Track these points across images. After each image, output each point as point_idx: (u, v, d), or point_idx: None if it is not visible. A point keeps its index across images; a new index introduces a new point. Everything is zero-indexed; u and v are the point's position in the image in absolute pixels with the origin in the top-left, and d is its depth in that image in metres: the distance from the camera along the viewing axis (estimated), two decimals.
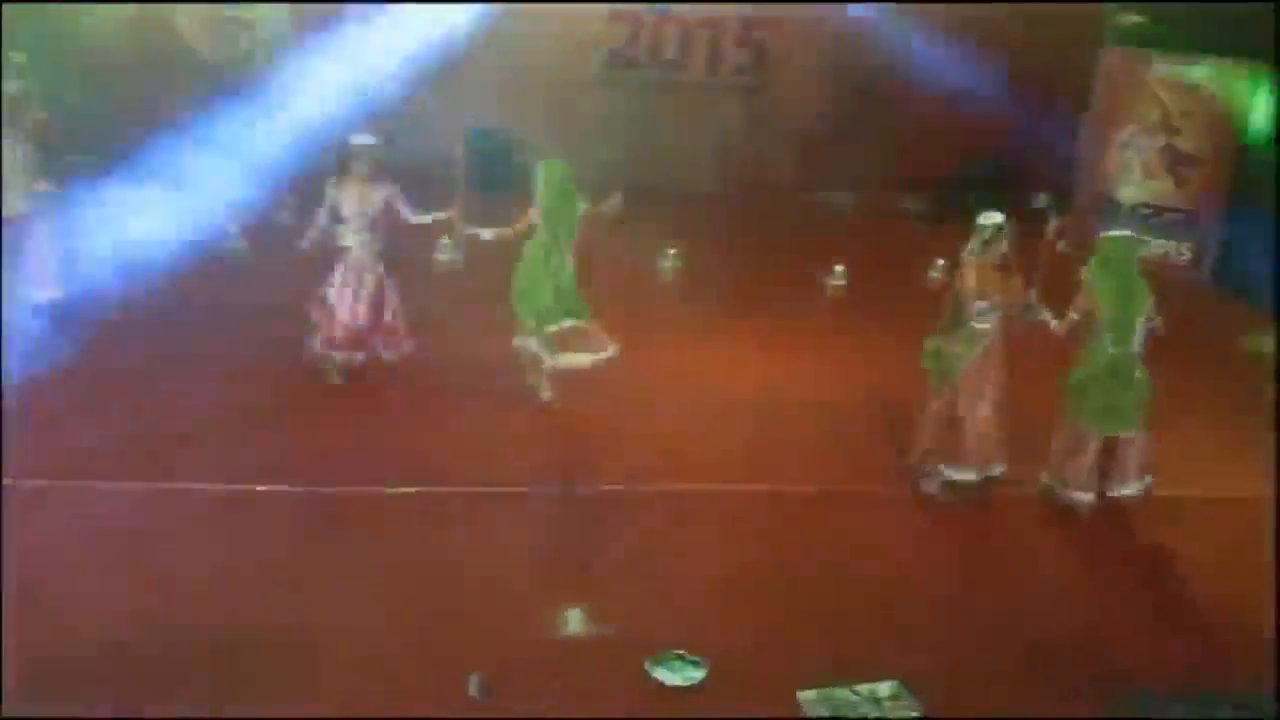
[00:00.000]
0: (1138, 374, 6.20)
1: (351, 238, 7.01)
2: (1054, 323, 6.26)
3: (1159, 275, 10.24)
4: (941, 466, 6.44)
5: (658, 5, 11.57)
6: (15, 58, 8.20)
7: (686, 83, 11.88)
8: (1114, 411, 6.21)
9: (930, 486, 6.48)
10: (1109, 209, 10.90)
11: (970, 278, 6.26)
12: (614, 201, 7.11)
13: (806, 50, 11.86)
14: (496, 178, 10.35)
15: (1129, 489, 6.32)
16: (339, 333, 7.10)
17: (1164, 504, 6.44)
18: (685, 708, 4.75)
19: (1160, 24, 10.95)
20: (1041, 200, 12.11)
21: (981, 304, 6.20)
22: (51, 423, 6.47)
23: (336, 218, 7.00)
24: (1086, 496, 6.33)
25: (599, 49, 11.68)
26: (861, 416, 7.29)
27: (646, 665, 4.95)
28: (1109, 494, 6.34)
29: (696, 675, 4.96)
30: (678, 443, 6.83)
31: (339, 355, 7.15)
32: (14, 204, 7.76)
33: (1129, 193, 10.82)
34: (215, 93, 10.79)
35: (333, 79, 10.36)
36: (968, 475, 6.40)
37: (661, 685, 4.87)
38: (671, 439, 6.88)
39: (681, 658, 5.01)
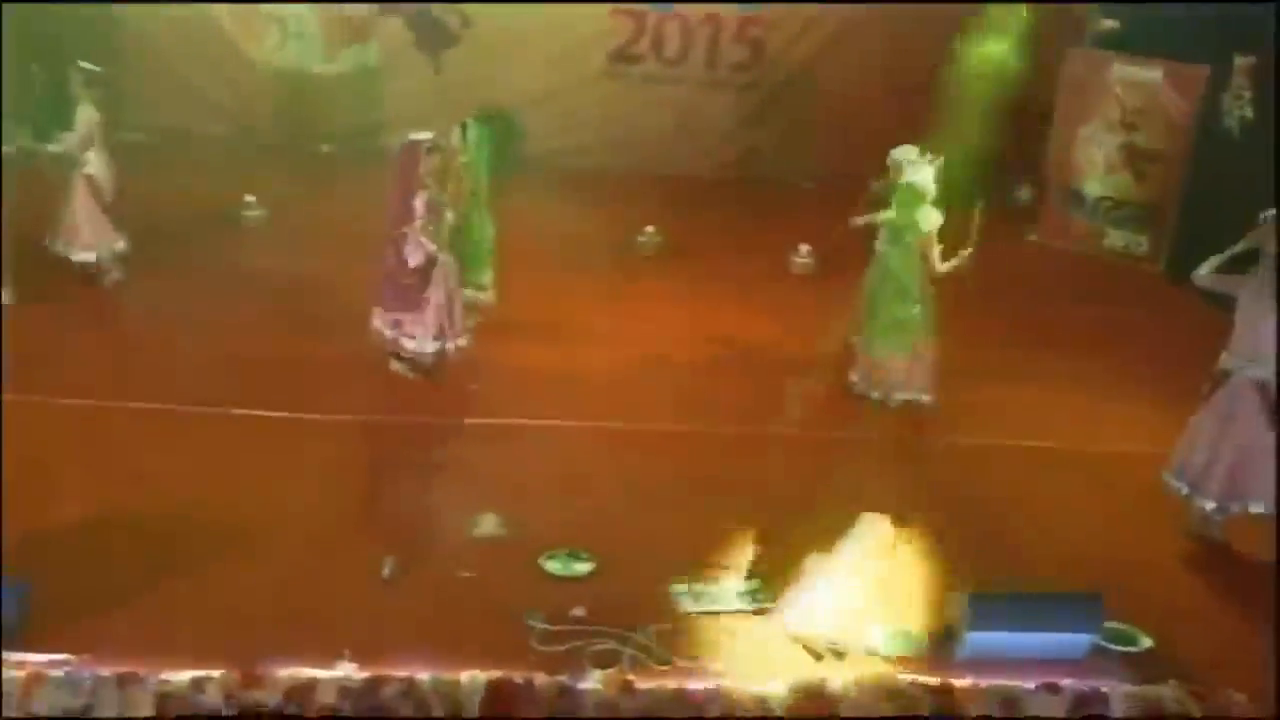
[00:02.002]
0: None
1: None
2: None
3: (1117, 265, 11.27)
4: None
5: (660, 3, 12.40)
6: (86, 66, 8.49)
7: (686, 77, 12.72)
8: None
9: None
10: (1075, 201, 11.63)
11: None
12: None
13: (800, 48, 12.63)
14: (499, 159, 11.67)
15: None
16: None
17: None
18: (571, 594, 5.68)
19: (1128, 29, 11.66)
20: (1024, 194, 12.98)
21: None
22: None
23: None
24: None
25: (603, 44, 12.54)
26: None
27: (540, 560, 5.91)
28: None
29: (584, 569, 5.90)
30: (606, 386, 7.82)
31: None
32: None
33: (1093, 186, 11.50)
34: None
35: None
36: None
37: (552, 576, 5.84)
38: (600, 382, 7.87)
39: (571, 553, 5.95)
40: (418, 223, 7.33)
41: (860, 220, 7.70)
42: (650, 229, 10.39)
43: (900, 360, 7.68)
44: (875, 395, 7.79)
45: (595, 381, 7.88)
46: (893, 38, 12.28)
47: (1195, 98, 10.70)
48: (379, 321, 7.53)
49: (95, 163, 8.40)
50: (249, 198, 10.17)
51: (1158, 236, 11.16)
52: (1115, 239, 11.36)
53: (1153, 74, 10.96)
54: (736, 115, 12.80)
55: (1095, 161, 11.46)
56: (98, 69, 8.39)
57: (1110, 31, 12.02)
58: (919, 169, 7.49)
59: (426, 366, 7.60)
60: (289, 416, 7.14)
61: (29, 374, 7.20)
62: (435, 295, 7.46)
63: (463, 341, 7.60)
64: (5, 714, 4.66)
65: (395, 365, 7.66)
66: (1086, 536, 6.51)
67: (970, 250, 7.50)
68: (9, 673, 4.75)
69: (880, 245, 7.67)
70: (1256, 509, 6.37)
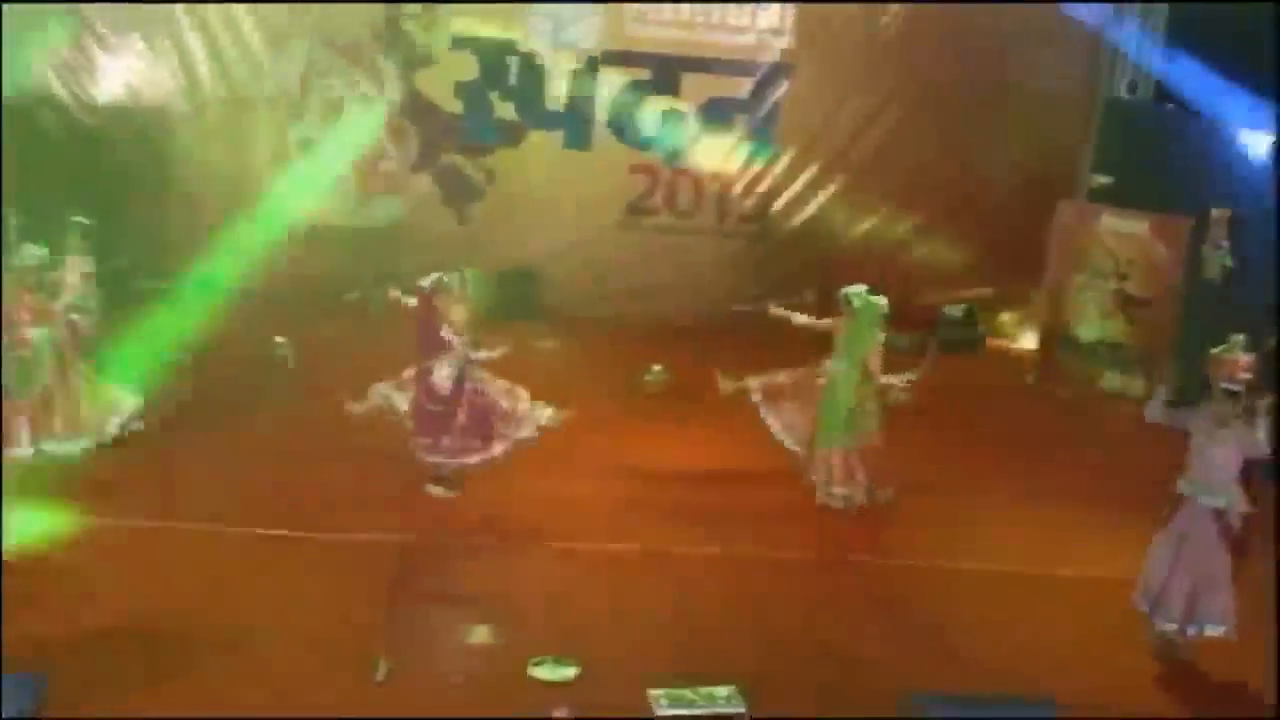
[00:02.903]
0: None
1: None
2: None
3: (1113, 407, 11.59)
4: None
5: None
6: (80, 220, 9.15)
7: (698, 228, 13.40)
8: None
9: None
10: (1071, 346, 12.04)
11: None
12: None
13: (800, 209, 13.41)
14: (521, 308, 12.43)
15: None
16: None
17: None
18: (557, 698, 5.96)
19: (1120, 183, 12.29)
20: (1030, 341, 13.42)
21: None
22: None
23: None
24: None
25: (620, 198, 13.27)
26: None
27: (529, 667, 6.21)
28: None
29: (569, 673, 6.20)
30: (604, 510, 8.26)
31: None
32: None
33: (1087, 331, 11.92)
34: None
35: None
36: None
37: (541, 682, 6.14)
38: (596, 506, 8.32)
39: (557, 660, 6.26)
40: (444, 357, 8.01)
41: (782, 312, 8.97)
42: (657, 368, 10.86)
43: (840, 455, 8.49)
44: (836, 501, 8.49)
45: (591, 506, 8.29)
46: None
47: (1180, 247, 11.20)
48: (419, 449, 8.14)
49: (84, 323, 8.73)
50: (279, 339, 10.77)
51: (1151, 378, 11.49)
52: (1111, 380, 11.70)
53: (1139, 225, 11.48)
54: (746, 263, 13.42)
55: (1089, 308, 11.91)
56: (89, 222, 9.10)
57: (1103, 186, 12.67)
58: (872, 299, 8.43)
59: (458, 483, 8.19)
60: (302, 535, 7.54)
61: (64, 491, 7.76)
62: (462, 416, 8.06)
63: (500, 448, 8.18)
64: None
65: (431, 488, 8.18)
66: (1053, 657, 6.75)
67: (916, 376, 8.49)
68: None
69: (832, 364, 8.52)
70: (1214, 632, 6.64)
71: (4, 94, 11.62)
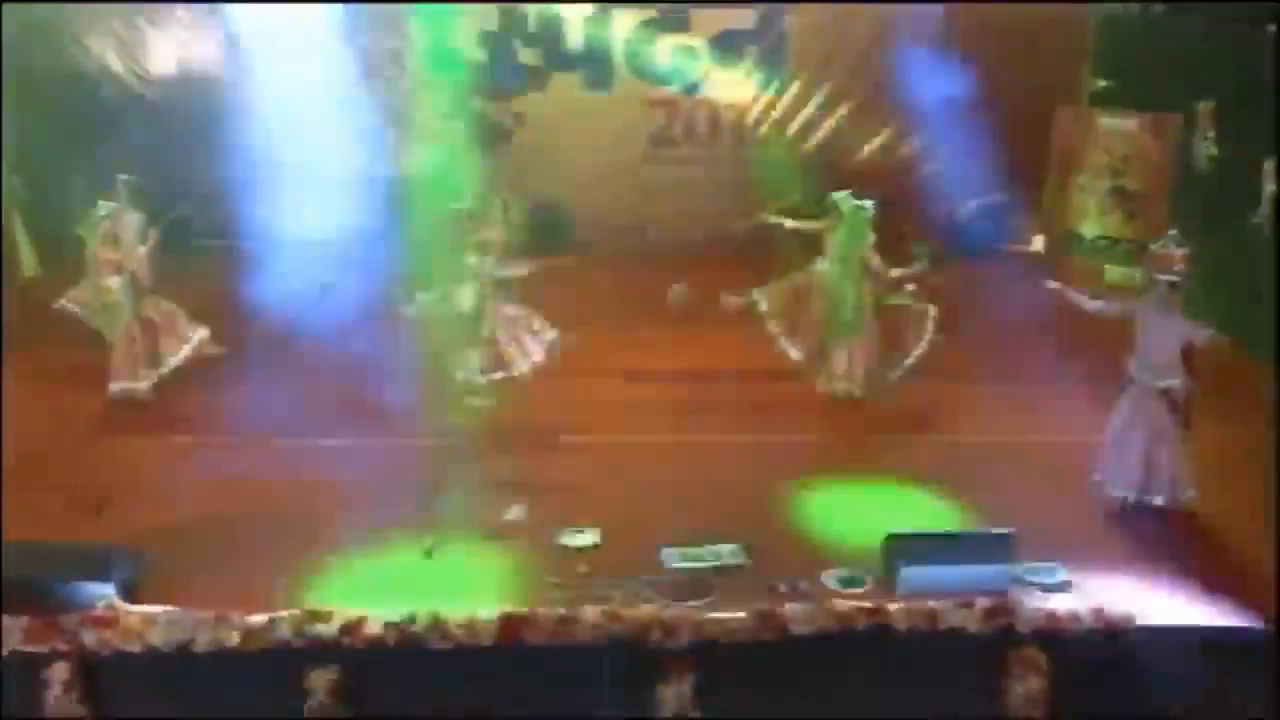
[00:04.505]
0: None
1: None
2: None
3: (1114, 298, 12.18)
4: None
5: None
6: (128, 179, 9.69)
7: (717, 156, 14.12)
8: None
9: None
10: (1075, 242, 12.66)
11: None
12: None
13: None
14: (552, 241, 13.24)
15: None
16: None
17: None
18: (581, 560, 6.88)
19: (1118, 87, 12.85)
20: (1037, 243, 14.02)
21: None
22: None
23: None
24: None
25: (642, 131, 14.01)
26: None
27: (555, 535, 7.12)
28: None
29: (591, 539, 7.09)
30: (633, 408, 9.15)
31: None
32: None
33: (1088, 228, 12.55)
34: None
35: None
36: None
37: (566, 547, 7.05)
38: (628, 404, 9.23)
39: (579, 528, 7.16)
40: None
41: (776, 219, 9.98)
42: (679, 286, 11.65)
43: (841, 348, 9.26)
44: (838, 391, 9.24)
45: (615, 406, 9.20)
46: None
47: (1171, 142, 11.77)
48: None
49: (141, 265, 9.56)
50: (330, 278, 11.68)
51: (1188, 255, 12.07)
52: (1112, 274, 12.29)
53: (1132, 123, 12.07)
54: (765, 186, 14.08)
55: (1089, 206, 12.52)
56: (138, 180, 9.88)
57: (1104, 89, 13.20)
58: (859, 203, 9.16)
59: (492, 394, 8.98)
60: (360, 443, 8.48)
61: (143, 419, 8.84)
62: (489, 329, 8.91)
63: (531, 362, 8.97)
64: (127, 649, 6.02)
65: (470, 400, 9.02)
66: (1021, 506, 7.50)
67: (919, 268, 9.21)
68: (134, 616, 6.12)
69: (824, 265, 9.28)
70: (1159, 501, 7.40)
71: (66, 68, 12.68)
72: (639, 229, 13.73)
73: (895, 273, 9.23)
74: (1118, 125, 12.21)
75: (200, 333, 9.64)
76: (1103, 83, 13.22)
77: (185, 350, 9.47)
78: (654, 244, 13.45)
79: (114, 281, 9.12)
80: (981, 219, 13.84)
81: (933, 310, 9.34)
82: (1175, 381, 7.38)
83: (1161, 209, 11.95)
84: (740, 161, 14.04)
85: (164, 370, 9.35)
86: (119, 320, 9.15)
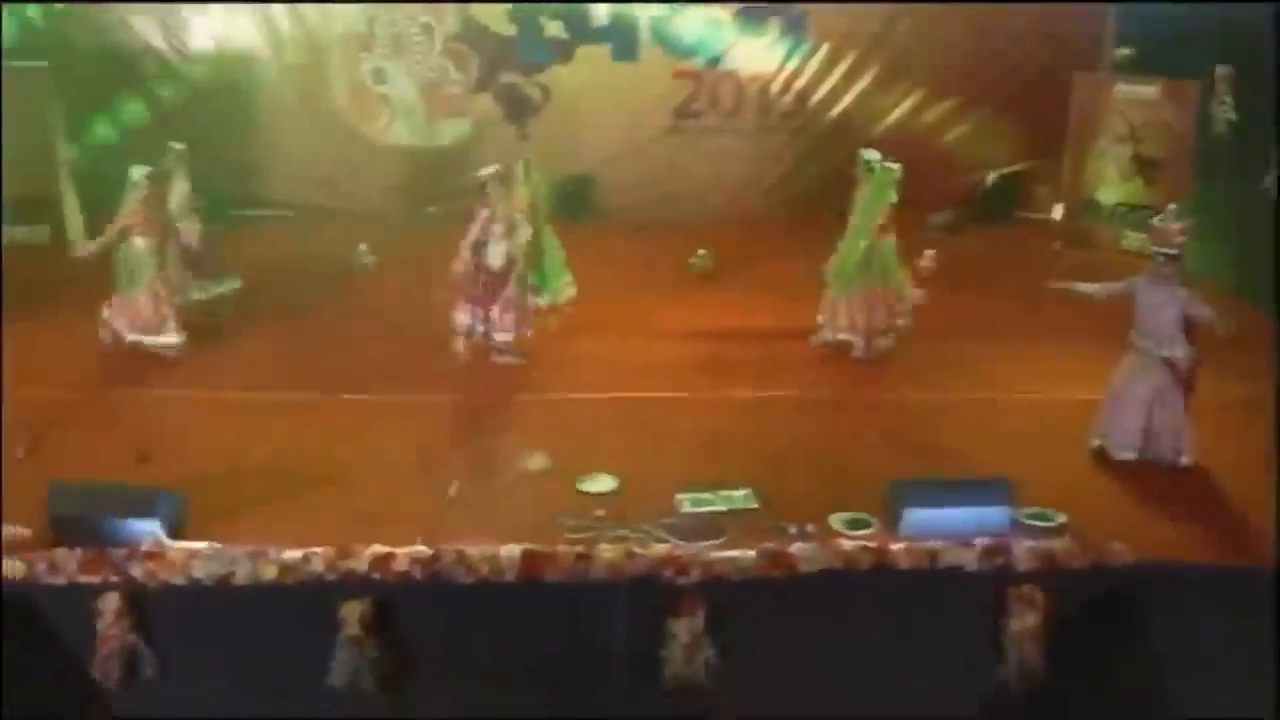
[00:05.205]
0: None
1: None
2: None
3: (1132, 265, 12.33)
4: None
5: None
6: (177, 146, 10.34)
7: (741, 127, 14.36)
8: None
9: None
10: (1093, 210, 12.82)
11: None
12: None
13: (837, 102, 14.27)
14: (579, 210, 13.60)
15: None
16: None
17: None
18: (598, 504, 7.20)
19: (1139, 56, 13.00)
20: (1056, 211, 14.18)
21: None
22: None
23: None
24: None
25: (668, 103, 14.26)
26: None
27: (576, 481, 7.45)
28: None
29: (609, 486, 7.42)
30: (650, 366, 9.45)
31: None
32: None
33: (1108, 194, 12.70)
34: None
35: None
36: None
37: (585, 493, 7.37)
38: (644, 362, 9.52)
39: (598, 476, 7.48)
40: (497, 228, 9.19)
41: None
42: (702, 251, 11.92)
43: (845, 303, 9.56)
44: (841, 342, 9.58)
45: (640, 362, 9.51)
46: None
47: (1190, 108, 11.89)
48: (463, 315, 9.27)
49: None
50: (362, 246, 12.07)
51: (1186, 228, 12.19)
52: (1132, 240, 12.40)
53: (1151, 90, 12.20)
54: (789, 157, 14.35)
55: (1109, 173, 12.66)
56: (184, 148, 10.36)
57: (1126, 58, 13.35)
58: (889, 164, 9.39)
59: (522, 352, 9.39)
60: (388, 399, 8.84)
61: (177, 376, 9.27)
62: (512, 291, 9.26)
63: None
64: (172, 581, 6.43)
65: (500, 359, 9.39)
66: (1021, 457, 7.73)
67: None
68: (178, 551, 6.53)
69: (850, 221, 9.55)
70: (1159, 458, 7.64)
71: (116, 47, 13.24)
72: (664, 198, 14.05)
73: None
74: (1136, 92, 12.32)
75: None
76: (1125, 51, 13.38)
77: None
78: (678, 212, 13.74)
79: (141, 242, 9.46)
80: (1002, 188, 14.09)
81: (920, 294, 9.74)
82: (1178, 351, 7.57)
83: (1181, 175, 12.07)
84: (764, 132, 14.38)
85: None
86: (143, 277, 9.46)
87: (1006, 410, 8.64)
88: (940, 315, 9.81)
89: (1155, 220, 7.92)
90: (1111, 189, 12.68)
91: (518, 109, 14.33)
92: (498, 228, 9.21)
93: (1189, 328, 7.60)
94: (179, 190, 10.19)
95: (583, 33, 14.00)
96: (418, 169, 14.26)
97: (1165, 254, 7.66)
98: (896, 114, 14.11)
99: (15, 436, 7.76)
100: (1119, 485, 7.56)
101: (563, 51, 14.06)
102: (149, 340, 9.48)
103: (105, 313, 9.43)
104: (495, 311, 9.21)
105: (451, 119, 14.32)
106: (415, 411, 8.65)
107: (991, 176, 14.13)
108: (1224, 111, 11.48)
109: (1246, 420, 8.12)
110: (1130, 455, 7.68)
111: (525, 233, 9.45)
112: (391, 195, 14.19)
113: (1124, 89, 12.47)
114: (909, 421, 8.49)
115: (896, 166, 9.47)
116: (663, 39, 14.00)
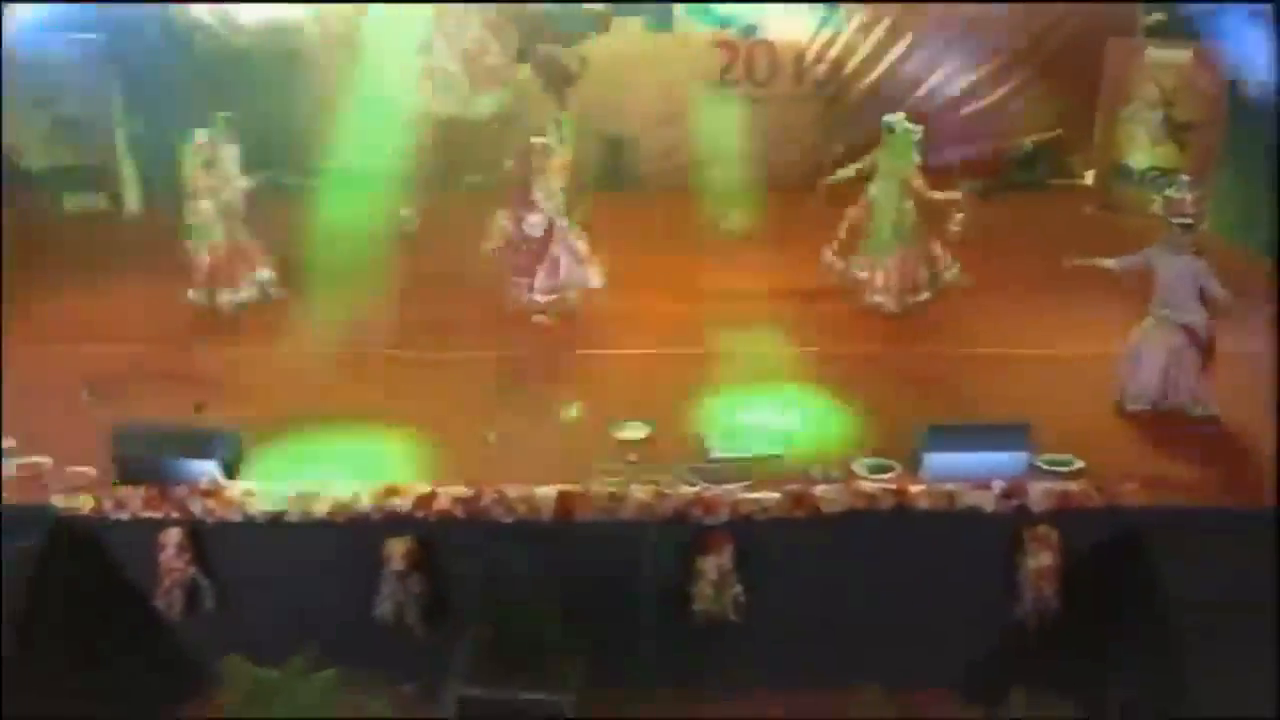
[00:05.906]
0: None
1: None
2: None
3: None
4: None
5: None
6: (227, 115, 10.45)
7: (776, 96, 14.56)
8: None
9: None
10: (1125, 174, 12.94)
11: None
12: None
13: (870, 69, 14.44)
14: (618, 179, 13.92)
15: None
16: None
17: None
18: (631, 449, 7.52)
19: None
20: (1088, 177, 14.29)
21: None
22: None
23: None
24: None
25: (705, 71, 14.49)
26: None
27: (609, 428, 7.76)
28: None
29: (642, 432, 7.72)
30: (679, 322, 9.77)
31: None
32: None
33: (1139, 159, 12.82)
34: None
35: None
36: None
37: (619, 440, 7.68)
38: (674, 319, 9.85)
39: (632, 423, 7.79)
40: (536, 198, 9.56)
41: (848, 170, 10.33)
42: (735, 213, 12.20)
43: (881, 266, 9.81)
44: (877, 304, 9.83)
45: (671, 319, 9.83)
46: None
47: (1222, 71, 11.98)
48: (517, 289, 9.71)
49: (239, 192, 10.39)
50: (405, 212, 12.41)
51: (1201, 198, 12.32)
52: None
53: (1183, 54, 12.30)
54: (824, 124, 14.56)
55: (1140, 137, 12.77)
56: (235, 116, 10.59)
57: (1158, 23, 13.45)
58: (908, 125, 9.62)
59: (561, 311, 9.72)
60: (434, 356, 9.17)
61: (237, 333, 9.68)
62: (556, 252, 9.62)
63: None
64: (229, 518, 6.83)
65: (537, 318, 9.73)
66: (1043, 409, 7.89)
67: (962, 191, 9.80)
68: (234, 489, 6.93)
69: (873, 186, 9.75)
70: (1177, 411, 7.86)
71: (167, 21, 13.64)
72: (700, 165, 14.29)
73: (936, 195, 9.67)
74: (1168, 56, 12.42)
75: (266, 274, 10.37)
76: (1155, 16, 13.47)
77: (251, 289, 10.22)
78: (714, 179, 13.98)
79: (205, 204, 9.86)
80: (1037, 155, 14.22)
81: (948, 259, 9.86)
82: (1196, 317, 7.78)
83: (1214, 139, 12.18)
84: (799, 100, 14.57)
85: (236, 298, 10.10)
86: (207, 239, 9.90)
87: (1030, 363, 8.85)
88: (969, 270, 10.01)
89: (1169, 191, 8.12)
90: (1144, 153, 12.80)
91: (557, 80, 14.66)
92: (540, 196, 9.56)
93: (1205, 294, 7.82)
94: (228, 156, 10.55)
95: (619, 3, 14.27)
96: (459, 139, 14.60)
97: (1179, 223, 7.86)
98: (931, 82, 14.31)
99: (82, 384, 8.18)
100: (1136, 434, 7.79)
101: (599, 22, 14.33)
102: (221, 298, 9.95)
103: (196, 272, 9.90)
104: (540, 275, 9.58)
105: (492, 90, 14.68)
106: (460, 366, 9.00)
107: (1027, 143, 14.27)
108: None
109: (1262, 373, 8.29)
110: (1144, 407, 7.91)
111: (560, 197, 9.74)
112: (433, 164, 14.53)
113: (1156, 53, 12.57)
114: (937, 374, 8.74)
115: (918, 127, 9.69)
116: (697, 9, 14.25)
